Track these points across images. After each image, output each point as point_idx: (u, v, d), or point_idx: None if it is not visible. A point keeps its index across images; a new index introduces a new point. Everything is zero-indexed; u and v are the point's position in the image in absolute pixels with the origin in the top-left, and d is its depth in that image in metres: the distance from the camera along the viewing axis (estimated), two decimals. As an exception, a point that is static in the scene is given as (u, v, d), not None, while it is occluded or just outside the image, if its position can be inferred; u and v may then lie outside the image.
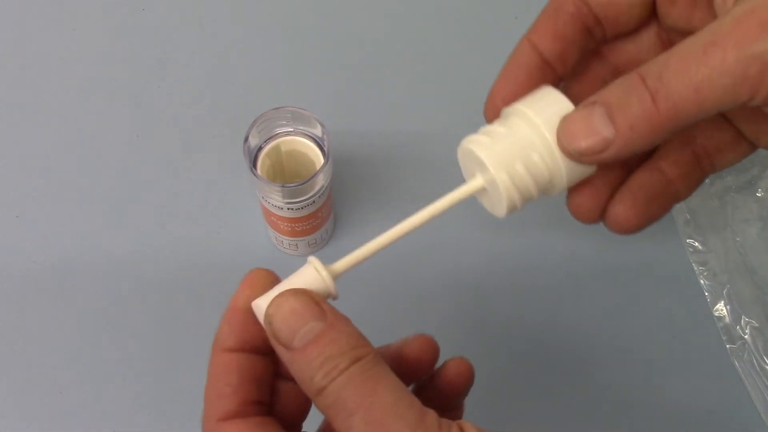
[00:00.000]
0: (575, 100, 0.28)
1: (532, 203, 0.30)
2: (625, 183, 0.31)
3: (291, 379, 0.26)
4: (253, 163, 0.39)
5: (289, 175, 0.42)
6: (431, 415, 0.23)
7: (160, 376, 0.42)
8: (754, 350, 0.43)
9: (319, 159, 0.40)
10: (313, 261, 0.28)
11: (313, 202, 0.39)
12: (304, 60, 0.50)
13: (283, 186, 0.38)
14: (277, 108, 0.39)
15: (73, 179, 0.46)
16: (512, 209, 0.29)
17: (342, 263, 0.28)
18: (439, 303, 0.45)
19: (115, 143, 0.47)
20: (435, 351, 0.30)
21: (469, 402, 0.42)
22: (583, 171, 0.29)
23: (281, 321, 0.25)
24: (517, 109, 0.29)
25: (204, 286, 0.44)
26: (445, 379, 0.30)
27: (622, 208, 0.31)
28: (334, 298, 0.28)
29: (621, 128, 0.26)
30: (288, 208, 0.39)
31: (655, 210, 0.31)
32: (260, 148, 0.40)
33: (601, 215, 0.32)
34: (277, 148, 0.40)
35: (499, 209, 0.30)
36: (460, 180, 0.50)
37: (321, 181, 0.39)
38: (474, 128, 0.30)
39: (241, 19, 0.51)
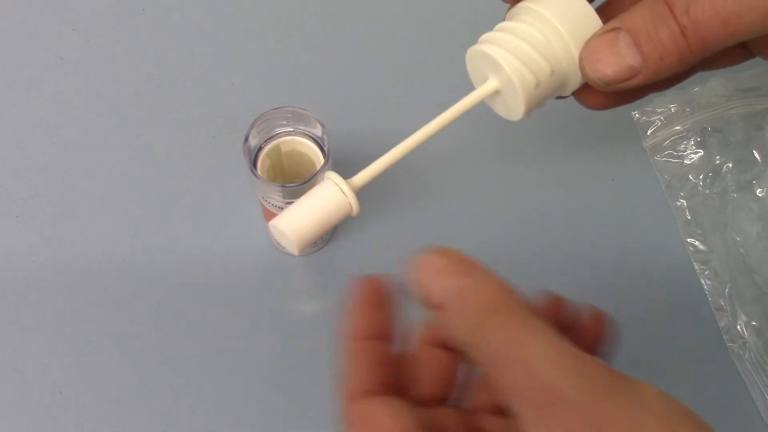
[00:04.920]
0: None
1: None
2: None
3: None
4: (253, 163, 0.39)
5: (289, 175, 0.42)
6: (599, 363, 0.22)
7: (160, 376, 0.42)
8: (754, 350, 0.43)
9: (319, 159, 0.40)
10: (333, 176, 0.27)
11: (313, 202, 0.39)
12: (304, 60, 0.50)
13: (283, 186, 0.38)
14: (277, 108, 0.39)
15: (73, 179, 0.46)
16: (528, 113, 0.29)
17: (360, 177, 0.28)
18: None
19: (115, 143, 0.47)
20: (605, 328, 0.28)
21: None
22: None
23: (429, 284, 0.24)
24: (536, 11, 0.28)
25: (204, 286, 0.44)
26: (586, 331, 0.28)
27: (594, 89, 0.30)
28: (356, 214, 0.28)
29: (650, 58, 0.26)
30: (288, 208, 0.39)
31: (629, 96, 0.31)
32: (260, 148, 0.39)
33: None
34: (277, 148, 0.40)
35: (515, 113, 0.29)
36: (462, 179, 0.50)
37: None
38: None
39: (241, 19, 0.51)
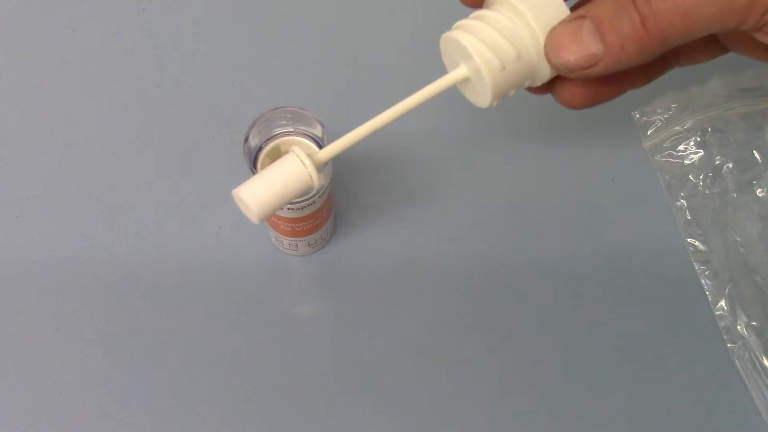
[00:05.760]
0: None
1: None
2: None
3: None
4: (253, 163, 0.39)
5: (289, 175, 0.42)
6: None
7: (161, 376, 0.42)
8: (754, 350, 0.43)
9: (319, 159, 0.40)
10: (296, 150, 0.29)
11: (313, 202, 0.39)
12: (304, 60, 0.50)
13: (283, 186, 0.38)
14: (277, 108, 0.39)
15: (73, 179, 0.46)
16: (497, 99, 0.29)
17: (325, 152, 0.29)
18: (439, 302, 0.45)
19: (114, 143, 0.47)
20: None
21: (470, 400, 0.42)
22: None
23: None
24: (507, 0, 0.29)
25: (204, 286, 0.44)
26: None
27: (573, 84, 0.31)
28: (318, 189, 0.28)
29: (611, 47, 0.27)
30: (288, 209, 0.39)
31: (607, 93, 0.31)
32: (260, 148, 0.39)
33: (550, 86, 0.31)
34: (277, 148, 0.40)
35: (483, 99, 0.30)
36: (461, 179, 0.50)
37: (321, 182, 0.39)
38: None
39: (241, 19, 0.51)
